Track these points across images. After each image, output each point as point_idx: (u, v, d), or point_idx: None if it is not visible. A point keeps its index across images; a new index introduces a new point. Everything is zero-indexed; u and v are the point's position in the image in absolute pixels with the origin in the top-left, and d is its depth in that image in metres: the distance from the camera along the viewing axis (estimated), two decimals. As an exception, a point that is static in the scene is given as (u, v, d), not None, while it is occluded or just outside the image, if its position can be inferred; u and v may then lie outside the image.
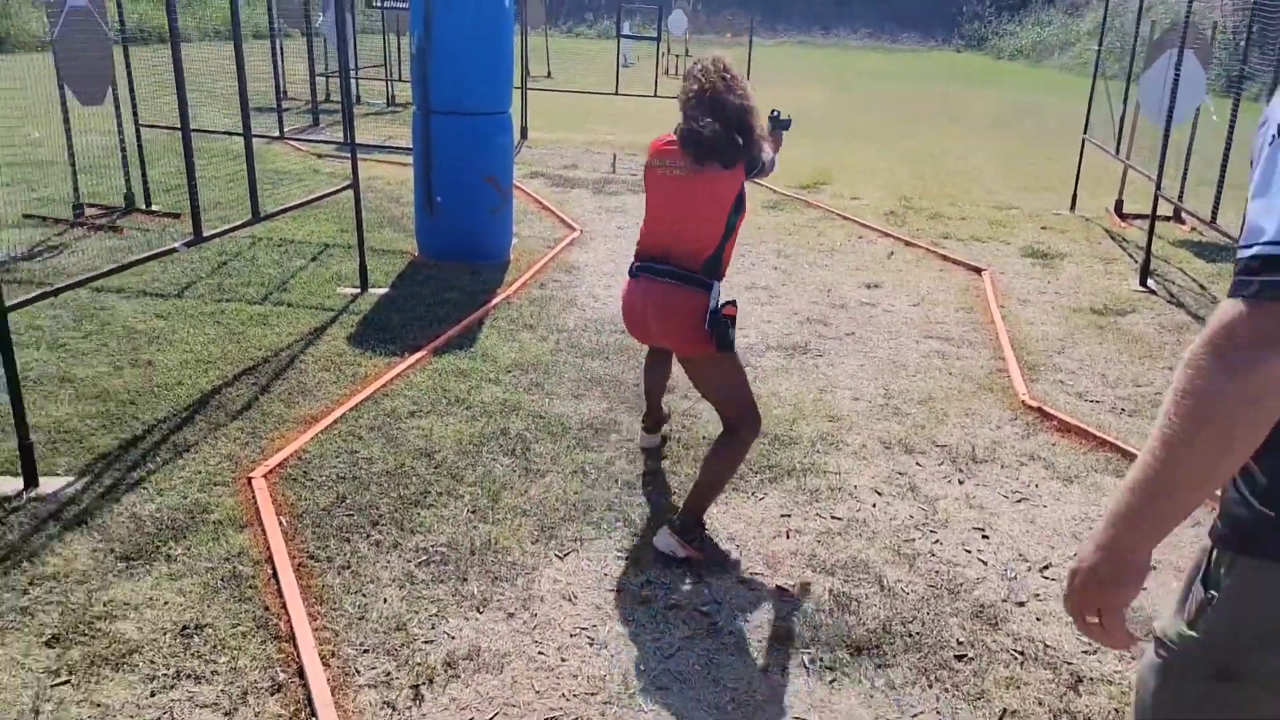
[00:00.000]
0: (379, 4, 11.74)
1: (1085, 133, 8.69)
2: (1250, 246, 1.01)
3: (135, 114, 6.85)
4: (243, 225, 4.52)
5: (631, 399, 4.24)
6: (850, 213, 8.41)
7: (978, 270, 6.60)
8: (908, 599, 2.89)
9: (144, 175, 7.01)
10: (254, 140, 4.75)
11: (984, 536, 3.27)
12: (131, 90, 6.81)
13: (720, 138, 2.92)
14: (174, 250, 3.83)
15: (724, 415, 3.13)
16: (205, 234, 4.01)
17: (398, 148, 10.36)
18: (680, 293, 2.99)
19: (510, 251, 6.49)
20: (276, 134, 7.71)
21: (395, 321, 5.05)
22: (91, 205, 6.87)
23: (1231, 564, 1.16)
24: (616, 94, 12.04)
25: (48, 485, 3.23)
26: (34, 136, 8.60)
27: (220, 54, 10.14)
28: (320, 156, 10.02)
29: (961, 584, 2.98)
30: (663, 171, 3.05)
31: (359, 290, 5.52)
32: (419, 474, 3.46)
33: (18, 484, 3.20)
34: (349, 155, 5.49)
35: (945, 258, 6.94)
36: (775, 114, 3.54)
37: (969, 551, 3.17)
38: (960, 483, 3.63)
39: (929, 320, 5.57)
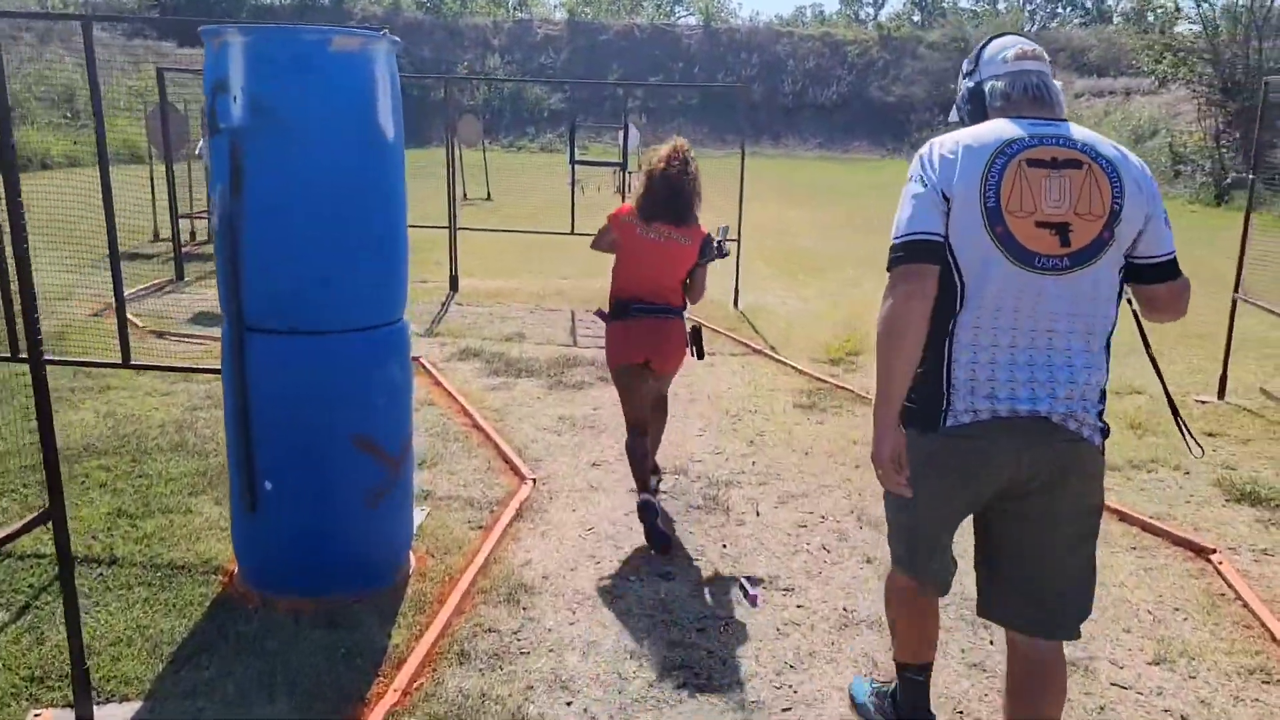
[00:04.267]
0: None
1: (1238, 289, 6.21)
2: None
3: None
4: None
5: None
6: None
7: (1199, 551, 3.94)
8: None
9: None
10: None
11: None
12: None
13: (693, 201, 3.97)
14: None
15: (661, 391, 4.33)
16: None
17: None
18: (675, 323, 4.02)
19: (408, 557, 3.67)
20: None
21: None
22: None
23: (904, 429, 2.18)
24: (573, 233, 9.47)
25: None
26: None
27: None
28: (161, 336, 7.19)
29: None
30: (642, 233, 3.94)
31: (69, 729, 2.64)
32: None
33: None
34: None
35: (1123, 517, 4.27)
36: (720, 243, 4.04)
37: None
38: None
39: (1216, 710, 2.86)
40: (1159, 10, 30.44)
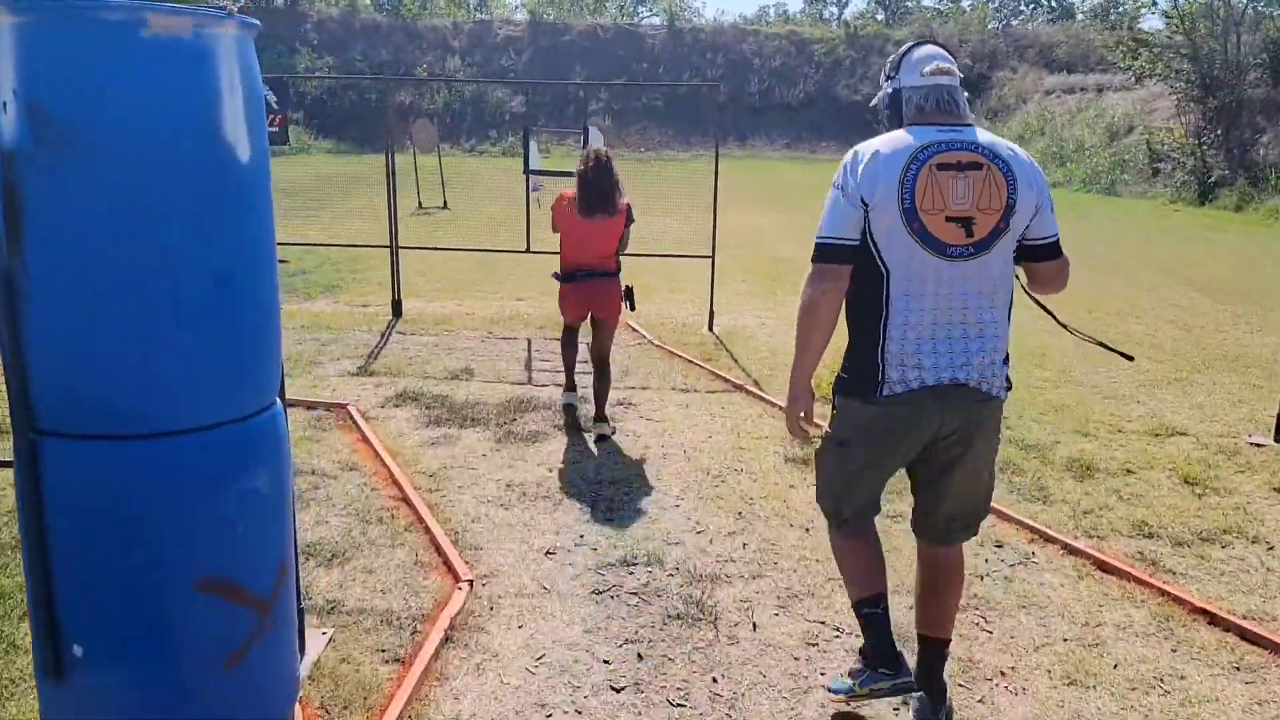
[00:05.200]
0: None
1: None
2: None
3: None
4: None
5: None
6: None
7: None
8: None
9: None
10: None
11: None
12: None
13: (613, 193, 5.19)
14: None
15: (603, 353, 5.41)
16: None
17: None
18: (612, 283, 5.33)
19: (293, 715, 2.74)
20: None
21: None
22: None
23: (836, 396, 2.66)
24: (528, 250, 8.50)
25: None
26: None
27: None
28: None
29: None
30: (582, 218, 5.19)
31: None
32: None
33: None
34: None
35: (1213, 619, 3.41)
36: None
37: None
38: None
39: None
40: (1125, 6, 29.94)
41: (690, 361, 6.98)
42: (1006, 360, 2.58)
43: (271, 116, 7.91)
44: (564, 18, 48.01)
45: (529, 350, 7.32)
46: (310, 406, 5.70)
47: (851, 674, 2.80)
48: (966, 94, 2.57)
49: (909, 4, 56.32)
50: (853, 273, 2.51)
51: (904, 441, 2.57)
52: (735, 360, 7.13)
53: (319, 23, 44.14)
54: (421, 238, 12.78)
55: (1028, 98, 37.58)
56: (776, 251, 12.91)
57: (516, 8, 51.83)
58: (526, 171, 8.04)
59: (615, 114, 39.78)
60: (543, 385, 6.33)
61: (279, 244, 2.71)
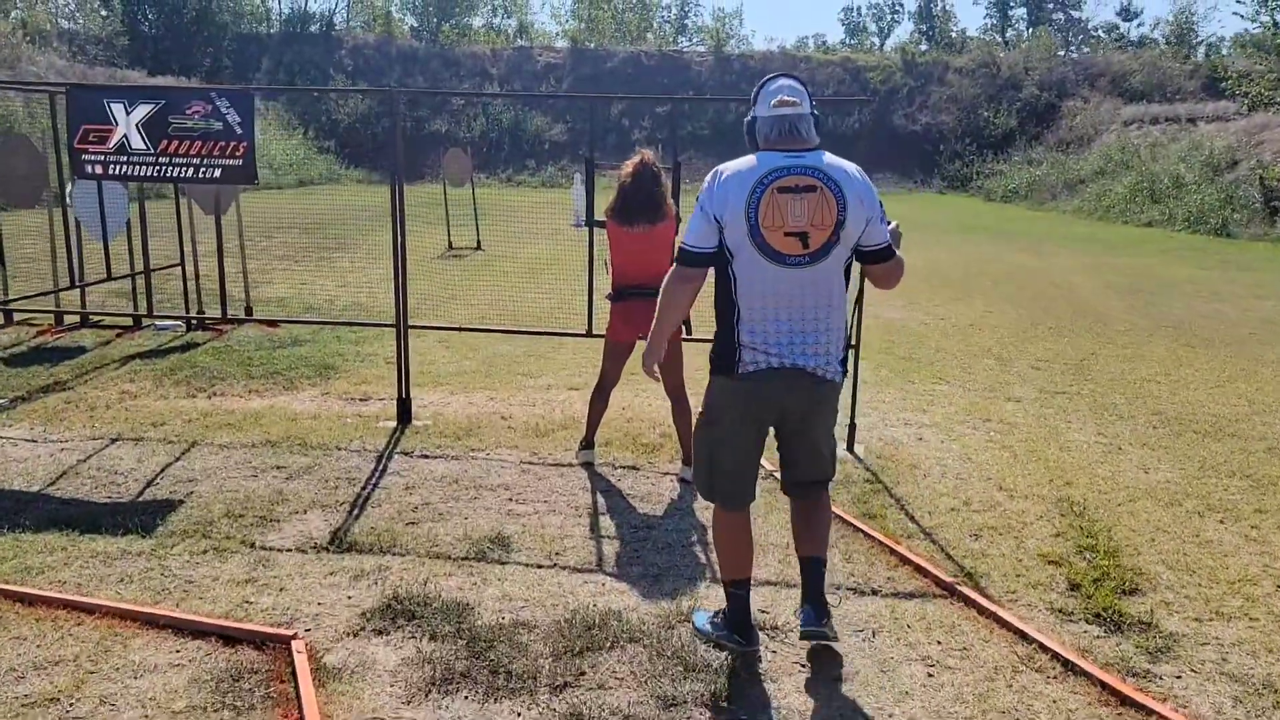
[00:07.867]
0: (100, 160, 5.77)
1: None
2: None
3: None
4: None
5: None
6: None
7: None
8: None
9: None
10: None
11: None
12: None
13: (659, 199, 4.79)
14: None
15: (677, 387, 4.90)
16: None
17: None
18: None
19: None
20: None
21: None
22: None
23: (711, 375, 3.22)
24: (589, 334, 6.10)
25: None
26: None
27: None
28: None
29: None
30: (628, 230, 4.78)
31: None
32: None
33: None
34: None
35: None
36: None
37: None
38: None
39: None
40: (1203, 34, 27.27)
41: (850, 525, 4.48)
42: (845, 349, 3.23)
43: (233, 144, 5.60)
44: (605, 44, 46.06)
45: (593, 493, 4.87)
46: (230, 640, 3.29)
47: (712, 622, 3.36)
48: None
49: (953, 34, 53.96)
50: (716, 273, 3.10)
51: (758, 410, 3.15)
52: (908, 513, 4.63)
53: (354, 49, 42.58)
54: (448, 296, 10.48)
55: (1103, 128, 34.88)
56: (882, 313, 10.27)
57: (557, 35, 50.04)
58: (590, 223, 5.60)
59: (659, 144, 37.55)
60: (626, 580, 3.89)
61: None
